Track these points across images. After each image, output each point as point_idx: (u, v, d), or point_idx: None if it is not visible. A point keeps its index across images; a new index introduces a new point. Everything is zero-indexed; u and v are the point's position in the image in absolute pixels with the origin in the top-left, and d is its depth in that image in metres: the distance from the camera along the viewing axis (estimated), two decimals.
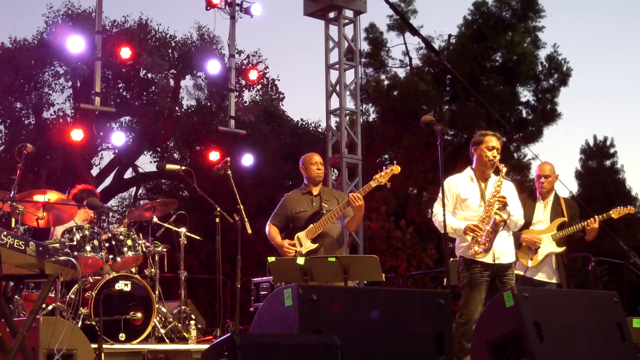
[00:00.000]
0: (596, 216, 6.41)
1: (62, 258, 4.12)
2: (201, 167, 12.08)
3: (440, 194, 5.36)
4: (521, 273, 6.41)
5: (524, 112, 19.53)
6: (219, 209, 6.41)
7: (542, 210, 6.62)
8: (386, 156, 20.07)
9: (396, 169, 5.97)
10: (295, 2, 18.03)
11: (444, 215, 5.18)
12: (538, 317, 4.11)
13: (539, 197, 6.67)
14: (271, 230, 6.25)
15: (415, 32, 9.68)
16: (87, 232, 6.19)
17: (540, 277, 6.49)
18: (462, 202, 5.61)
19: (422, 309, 4.12)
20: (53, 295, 5.88)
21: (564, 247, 6.49)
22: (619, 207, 6.51)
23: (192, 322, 6.73)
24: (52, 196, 6.20)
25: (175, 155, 18.53)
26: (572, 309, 4.40)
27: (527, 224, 6.46)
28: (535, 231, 6.55)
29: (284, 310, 3.69)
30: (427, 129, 5.32)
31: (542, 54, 19.30)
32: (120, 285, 6.14)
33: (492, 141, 5.64)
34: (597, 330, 4.39)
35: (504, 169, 5.59)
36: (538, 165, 6.78)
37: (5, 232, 3.81)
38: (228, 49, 11.30)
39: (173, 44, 16.25)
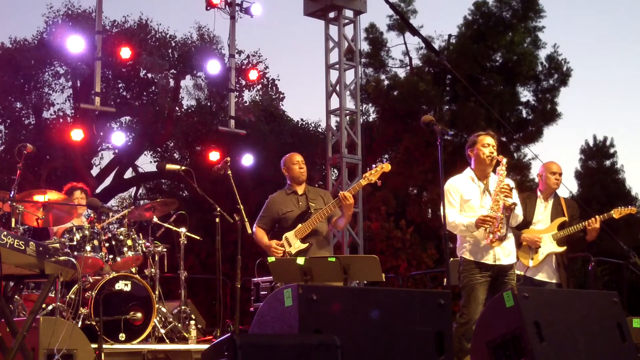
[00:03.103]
0: (597, 216, 6.41)
1: (62, 258, 4.12)
2: (201, 167, 12.07)
3: (444, 197, 5.32)
4: (521, 273, 6.40)
5: (524, 112, 19.56)
6: (219, 209, 6.40)
7: (543, 210, 6.62)
8: (386, 156, 20.05)
9: (386, 166, 5.93)
10: (295, 2, 18.04)
11: (444, 214, 5.18)
12: (538, 317, 4.11)
13: (540, 196, 6.67)
14: (257, 232, 6.20)
15: (415, 32, 9.69)
16: (87, 232, 6.19)
17: (541, 277, 6.49)
18: (465, 202, 5.60)
19: (422, 309, 4.12)
20: (53, 295, 5.88)
21: (565, 247, 6.49)
22: (620, 207, 6.51)
23: (192, 322, 6.73)
24: (52, 196, 6.21)
25: (175, 155, 18.53)
26: (572, 309, 4.40)
27: (528, 223, 6.46)
28: (535, 231, 6.55)
29: (284, 310, 3.69)
30: (427, 129, 5.31)
31: (542, 54, 19.36)
32: (120, 285, 6.14)
33: (487, 139, 5.64)
34: (597, 330, 4.39)
35: (504, 160, 5.58)
36: (547, 163, 6.69)
37: (5, 232, 3.81)
38: (228, 49, 11.32)
39: (173, 44, 16.25)
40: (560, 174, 6.65)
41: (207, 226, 13.39)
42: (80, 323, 5.81)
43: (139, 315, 6.14)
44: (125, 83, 16.70)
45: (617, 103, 46.48)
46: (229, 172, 6.47)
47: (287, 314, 3.67)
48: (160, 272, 6.94)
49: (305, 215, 6.06)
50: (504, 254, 5.53)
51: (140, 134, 17.26)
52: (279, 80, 18.01)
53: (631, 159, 43.65)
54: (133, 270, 6.58)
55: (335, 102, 10.97)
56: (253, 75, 12.90)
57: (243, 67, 15.95)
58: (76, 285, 5.94)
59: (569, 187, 7.45)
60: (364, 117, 17.54)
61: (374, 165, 5.96)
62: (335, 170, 11.40)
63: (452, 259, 5.92)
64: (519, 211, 5.61)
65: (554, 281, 6.48)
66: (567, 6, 44.05)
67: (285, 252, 5.97)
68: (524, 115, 19.52)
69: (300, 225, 6.03)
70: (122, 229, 6.53)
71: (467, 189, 5.63)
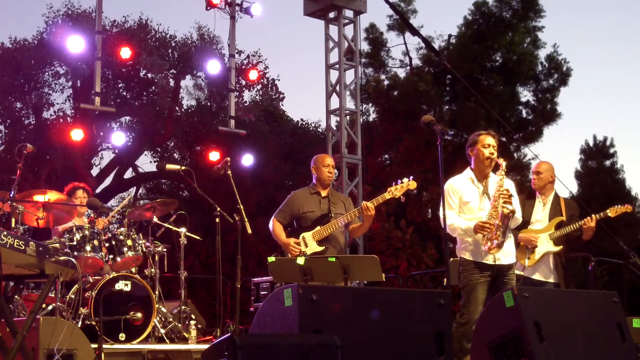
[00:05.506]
0: (593, 215, 6.40)
1: (62, 258, 4.12)
2: (201, 167, 12.08)
3: (443, 198, 5.32)
4: (521, 273, 6.40)
5: (524, 112, 19.55)
6: (219, 209, 6.40)
7: (542, 210, 6.62)
8: (386, 156, 20.06)
9: (412, 184, 5.94)
10: (295, 2, 18.04)
11: (444, 216, 5.17)
12: (538, 317, 4.11)
13: (538, 196, 6.68)
14: (276, 226, 6.23)
15: (415, 32, 9.69)
16: (87, 232, 6.19)
17: (538, 276, 6.49)
18: (464, 204, 5.60)
19: (422, 309, 4.12)
20: (53, 295, 5.88)
21: (561, 246, 6.48)
22: (616, 206, 6.49)
23: (192, 322, 6.74)
24: (52, 196, 6.21)
25: (175, 155, 18.52)
26: (572, 308, 4.40)
27: (526, 223, 6.45)
28: (533, 230, 6.55)
29: (284, 310, 3.69)
30: (427, 129, 5.30)
31: (542, 54, 19.36)
32: (120, 285, 6.14)
33: (487, 139, 5.64)
34: (597, 330, 4.39)
35: (504, 163, 5.57)
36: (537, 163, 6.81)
37: (5, 232, 3.81)
38: (228, 49, 11.32)
39: (173, 44, 16.25)
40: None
41: (207, 226, 13.38)
42: (80, 323, 5.81)
43: (139, 315, 6.14)
44: (125, 83, 16.69)
45: (617, 103, 46.53)
46: (229, 172, 6.48)
47: (287, 314, 3.67)
48: (160, 272, 6.94)
49: (325, 218, 6.09)
50: (504, 254, 5.53)
51: (140, 134, 17.25)
52: (279, 80, 18.04)
53: (631, 159, 43.71)
54: (133, 270, 6.58)
55: (335, 102, 10.98)
56: (253, 75, 12.90)
57: (243, 67, 15.94)
58: (76, 285, 5.94)
59: (569, 187, 7.45)
60: (364, 117, 17.57)
61: (399, 181, 5.96)
62: (336, 171, 11.39)
63: (452, 259, 5.92)
64: (518, 214, 5.61)
65: (551, 280, 6.48)
66: (567, 6, 44.10)
67: (302, 252, 5.98)
68: (524, 115, 19.52)
69: (318, 227, 6.05)
70: (122, 229, 6.53)
71: (466, 191, 5.62)
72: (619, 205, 6.50)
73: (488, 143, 5.63)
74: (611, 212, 6.44)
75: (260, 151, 15.32)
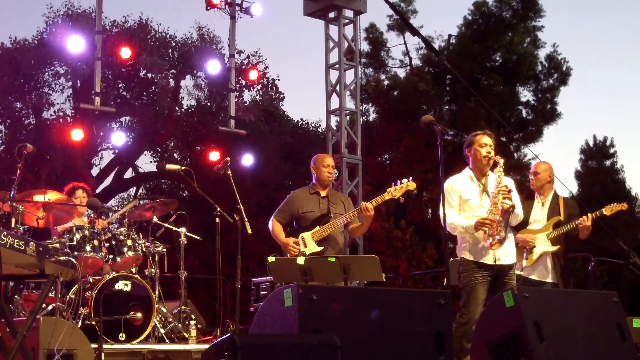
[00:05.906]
0: (589, 214, 6.39)
1: (62, 258, 4.12)
2: (201, 167, 12.08)
3: (443, 198, 5.32)
4: (521, 273, 6.40)
5: (524, 112, 19.56)
6: (219, 209, 6.40)
7: (540, 210, 6.62)
8: (386, 156, 20.06)
9: (412, 185, 5.94)
10: (295, 2, 18.05)
11: (444, 214, 5.17)
12: (538, 317, 4.11)
13: (537, 196, 6.68)
14: (275, 226, 6.24)
15: (415, 32, 9.67)
16: (87, 232, 6.19)
17: (535, 276, 6.48)
18: (464, 202, 5.60)
19: (422, 309, 4.12)
20: (53, 295, 5.88)
21: (559, 246, 6.46)
22: (612, 204, 6.48)
23: (192, 322, 6.74)
24: (52, 196, 6.21)
25: (175, 155, 18.52)
26: (572, 308, 4.40)
27: (525, 223, 6.45)
28: (530, 230, 6.54)
29: (284, 310, 3.69)
30: (427, 129, 5.30)
31: (542, 53, 19.36)
32: (120, 285, 6.15)
33: (484, 139, 5.65)
34: (597, 330, 4.39)
35: (501, 161, 5.57)
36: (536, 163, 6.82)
37: (5, 232, 3.81)
38: (228, 49, 11.33)
39: (173, 44, 16.25)
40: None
41: (207, 226, 13.38)
42: (80, 323, 5.81)
43: (139, 315, 6.15)
44: (125, 83, 16.69)
45: (617, 103, 46.58)
46: (229, 172, 6.48)
47: (287, 314, 3.67)
48: (160, 272, 6.94)
49: (324, 218, 6.10)
50: (504, 254, 5.53)
51: (140, 134, 17.26)
52: (279, 80, 18.04)
53: (631, 159, 43.74)
54: (133, 270, 6.58)
55: (335, 102, 10.98)
56: (253, 75, 12.91)
57: (243, 67, 15.94)
58: (76, 285, 5.94)
59: (569, 187, 7.46)
60: (364, 117, 17.57)
61: (399, 181, 5.97)
62: (335, 171, 11.39)
63: (452, 259, 5.92)
64: (519, 210, 5.61)
65: (549, 280, 6.46)
66: (567, 6, 44.13)
67: (300, 252, 5.98)
68: (524, 115, 19.52)
69: (318, 227, 6.05)
70: (122, 229, 6.53)
71: (466, 189, 5.63)
72: (615, 204, 6.48)
73: (485, 142, 5.64)
74: (607, 211, 6.43)
75: (260, 151, 15.32)
